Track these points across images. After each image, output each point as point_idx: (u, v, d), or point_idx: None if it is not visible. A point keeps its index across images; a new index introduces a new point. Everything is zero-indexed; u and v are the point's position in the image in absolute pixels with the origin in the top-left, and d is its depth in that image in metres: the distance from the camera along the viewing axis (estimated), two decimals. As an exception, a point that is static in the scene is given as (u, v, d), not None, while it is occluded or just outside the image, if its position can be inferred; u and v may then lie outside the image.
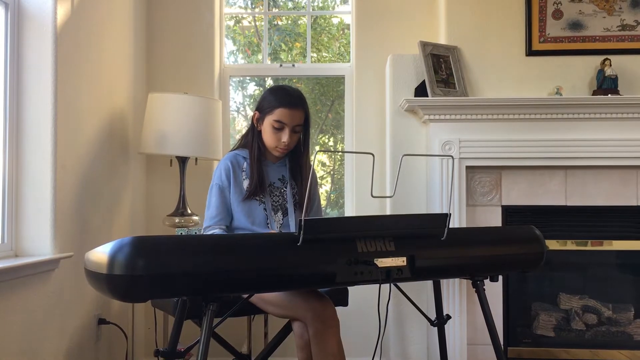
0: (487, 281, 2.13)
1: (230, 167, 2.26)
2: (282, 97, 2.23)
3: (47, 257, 2.22)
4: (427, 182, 2.91)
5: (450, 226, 1.90)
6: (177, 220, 2.92)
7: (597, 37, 2.91)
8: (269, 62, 3.57)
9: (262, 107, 2.27)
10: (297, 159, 2.34)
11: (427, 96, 2.80)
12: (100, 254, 1.51)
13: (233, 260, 1.57)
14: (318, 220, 1.68)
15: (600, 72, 2.84)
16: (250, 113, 3.62)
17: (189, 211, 2.98)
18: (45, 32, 2.28)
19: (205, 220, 2.27)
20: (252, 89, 3.73)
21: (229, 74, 3.49)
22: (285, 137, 2.22)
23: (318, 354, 1.96)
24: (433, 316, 2.32)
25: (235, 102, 3.70)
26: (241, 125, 3.67)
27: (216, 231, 2.23)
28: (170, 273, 1.49)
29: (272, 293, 2.05)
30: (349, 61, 3.52)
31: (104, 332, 2.77)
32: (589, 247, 2.94)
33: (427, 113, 2.82)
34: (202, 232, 2.28)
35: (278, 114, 2.21)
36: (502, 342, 2.84)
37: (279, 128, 2.22)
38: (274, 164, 2.34)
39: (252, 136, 2.31)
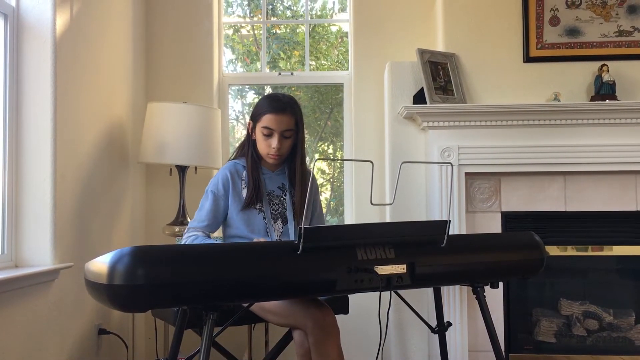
0: (487, 287, 2.13)
1: (228, 177, 2.26)
2: (269, 103, 2.23)
3: (47, 267, 2.22)
4: (427, 189, 2.92)
5: (450, 233, 1.90)
6: (177, 229, 2.92)
7: (595, 43, 2.93)
8: (267, 71, 3.58)
9: (253, 115, 2.28)
10: (293, 164, 2.33)
11: (426, 103, 2.81)
12: (100, 264, 1.51)
13: (233, 269, 1.57)
14: (318, 229, 1.68)
15: (598, 78, 2.85)
16: (249, 121, 3.62)
17: (189, 220, 2.98)
18: (45, 43, 2.29)
19: (193, 221, 2.27)
20: (251, 97, 3.74)
21: (228, 83, 3.50)
22: (274, 142, 2.22)
23: (319, 363, 1.96)
24: (434, 323, 2.32)
25: (234, 110, 3.71)
26: (240, 134, 3.68)
27: (199, 235, 2.22)
28: (170, 283, 1.49)
29: (272, 301, 2.05)
30: (347, 69, 3.53)
31: (104, 342, 2.77)
32: (589, 253, 2.94)
33: (425, 120, 2.83)
34: (185, 230, 2.28)
35: (265, 120, 2.22)
36: (503, 349, 2.83)
37: (268, 134, 2.22)
38: (273, 173, 2.33)
39: (248, 146, 2.31)
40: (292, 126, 2.24)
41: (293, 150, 2.30)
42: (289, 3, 3.70)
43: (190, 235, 2.23)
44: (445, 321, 2.28)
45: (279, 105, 2.22)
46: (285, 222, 2.30)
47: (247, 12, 3.75)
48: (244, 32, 3.79)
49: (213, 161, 3.00)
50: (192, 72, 3.34)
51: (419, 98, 2.90)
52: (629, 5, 2.92)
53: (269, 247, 1.67)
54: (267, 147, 2.23)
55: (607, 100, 2.78)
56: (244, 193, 2.26)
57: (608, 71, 2.83)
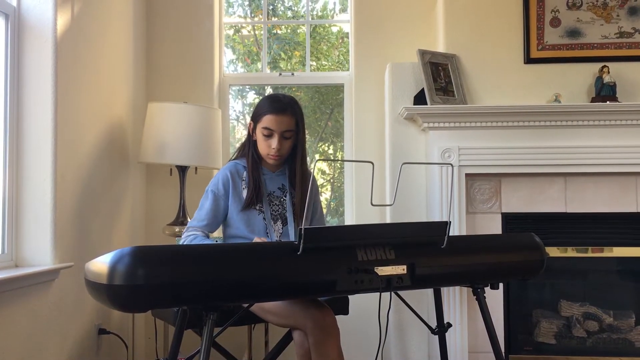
0: (487, 289, 2.13)
1: (229, 177, 2.26)
2: (269, 103, 2.23)
3: (47, 267, 2.22)
4: (427, 190, 2.92)
5: (450, 234, 1.90)
6: (177, 230, 2.92)
7: (595, 45, 2.92)
8: (268, 71, 3.58)
9: (254, 115, 2.28)
10: (293, 165, 2.33)
11: (426, 104, 2.81)
12: (101, 264, 1.51)
13: (233, 270, 1.57)
14: (318, 229, 1.68)
15: (599, 79, 2.85)
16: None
17: (189, 220, 2.97)
18: (46, 42, 2.29)
19: (192, 220, 2.28)
20: (252, 97, 3.74)
21: (229, 83, 3.50)
22: (274, 143, 2.22)
23: (319, 363, 1.96)
24: (434, 324, 2.32)
25: (234, 110, 3.71)
26: (241, 134, 3.68)
27: (198, 234, 2.23)
28: (171, 283, 1.49)
29: (272, 302, 2.05)
30: (348, 69, 3.53)
31: (104, 342, 2.77)
32: (589, 254, 2.94)
33: (426, 121, 2.83)
34: (184, 229, 2.28)
35: (266, 120, 2.22)
36: (503, 350, 2.83)
37: (268, 135, 2.22)
38: (274, 173, 2.34)
39: (249, 146, 2.31)
40: (292, 127, 2.24)
41: (293, 151, 2.30)
42: (290, 3, 3.71)
43: (190, 235, 2.23)
44: (445, 322, 2.28)
45: (279, 105, 2.22)
46: (285, 223, 2.30)
47: (248, 12, 3.75)
48: (244, 32, 3.79)
49: (213, 161, 2.99)
50: (193, 72, 3.34)
51: (419, 99, 2.90)
52: (629, 6, 2.92)
53: (269, 248, 1.68)
54: (267, 147, 2.24)
55: (608, 102, 2.78)
56: (244, 193, 2.26)
57: (609, 72, 2.83)
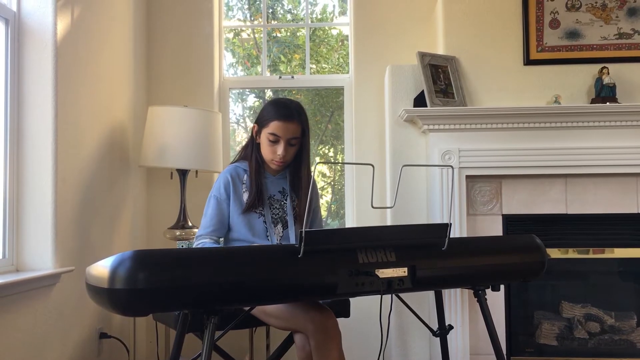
0: (488, 290, 2.13)
1: (229, 180, 2.26)
2: (277, 109, 2.22)
3: (48, 271, 2.22)
4: (428, 192, 2.92)
5: (451, 236, 1.90)
6: (177, 233, 2.92)
7: (595, 46, 2.93)
8: (268, 74, 3.59)
9: (260, 119, 2.27)
10: (296, 171, 2.33)
11: (426, 106, 2.81)
12: (101, 268, 1.51)
13: (234, 273, 1.57)
14: (319, 232, 1.68)
15: (599, 80, 2.85)
16: (250, 125, 3.63)
17: (190, 224, 2.98)
18: (46, 47, 2.30)
19: (199, 229, 2.28)
20: (252, 100, 3.75)
21: (229, 86, 3.51)
22: (280, 150, 2.21)
23: (320, 366, 1.95)
24: (435, 326, 2.31)
25: (235, 114, 3.71)
26: (241, 137, 3.69)
27: (206, 241, 2.23)
28: (172, 287, 1.49)
29: (274, 305, 2.05)
30: (348, 72, 3.53)
31: (105, 346, 2.77)
32: (590, 255, 2.94)
33: (426, 123, 2.83)
34: (194, 240, 2.29)
35: (273, 126, 2.21)
36: (505, 352, 2.83)
37: (274, 141, 2.22)
38: (274, 177, 2.33)
39: (251, 149, 2.31)
40: (298, 134, 2.24)
41: (297, 157, 2.30)
42: (290, 7, 3.71)
43: (199, 244, 2.23)
44: (446, 324, 2.28)
45: (288, 112, 2.21)
46: (285, 226, 2.29)
47: (248, 15, 3.75)
48: (244, 35, 3.79)
49: (214, 165, 3.00)
50: (193, 75, 3.35)
51: (419, 101, 2.90)
52: (628, 7, 2.92)
53: (270, 251, 1.67)
54: (272, 153, 2.23)
55: (608, 103, 2.79)
56: (245, 196, 2.26)
57: (608, 74, 2.83)
